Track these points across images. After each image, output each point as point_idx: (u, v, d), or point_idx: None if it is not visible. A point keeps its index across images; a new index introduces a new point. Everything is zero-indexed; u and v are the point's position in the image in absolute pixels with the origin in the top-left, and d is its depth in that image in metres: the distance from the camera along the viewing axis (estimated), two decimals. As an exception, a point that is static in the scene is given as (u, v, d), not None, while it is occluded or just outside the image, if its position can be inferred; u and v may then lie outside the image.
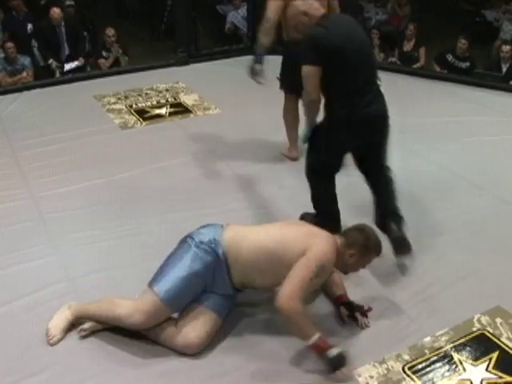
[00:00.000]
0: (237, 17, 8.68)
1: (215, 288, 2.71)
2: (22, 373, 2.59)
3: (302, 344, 2.61)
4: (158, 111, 5.54)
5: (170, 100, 5.81)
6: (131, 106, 5.65)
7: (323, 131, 3.26)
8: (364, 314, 2.86)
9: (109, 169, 4.42)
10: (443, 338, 2.77)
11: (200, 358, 2.66)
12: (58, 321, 2.77)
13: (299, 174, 3.58)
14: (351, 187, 3.72)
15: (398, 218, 3.31)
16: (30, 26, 7.57)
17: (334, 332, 2.80)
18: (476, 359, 2.65)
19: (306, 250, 2.60)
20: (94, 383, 2.56)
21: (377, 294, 3.07)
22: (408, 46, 7.78)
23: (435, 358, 2.66)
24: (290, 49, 4.08)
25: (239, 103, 5.61)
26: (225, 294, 2.73)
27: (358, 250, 2.74)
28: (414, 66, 7.46)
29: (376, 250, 2.81)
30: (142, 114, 5.48)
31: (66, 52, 7.13)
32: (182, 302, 2.68)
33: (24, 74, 6.77)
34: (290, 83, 4.27)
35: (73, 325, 2.79)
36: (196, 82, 6.21)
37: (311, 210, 3.52)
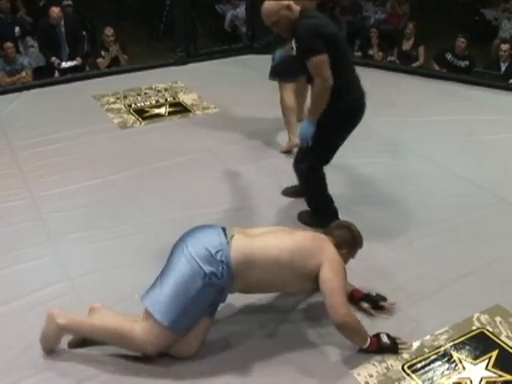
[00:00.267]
0: (236, 15, 8.68)
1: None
2: (22, 373, 2.59)
3: (356, 348, 2.65)
4: (157, 111, 5.54)
5: (169, 99, 5.81)
6: (130, 106, 5.65)
7: (324, 125, 3.29)
8: (385, 299, 2.93)
9: (108, 168, 4.42)
10: (443, 337, 2.76)
11: (197, 356, 2.66)
12: (48, 337, 2.66)
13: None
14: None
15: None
16: (17, 29, 7.59)
17: (332, 332, 2.80)
18: (475, 358, 2.65)
19: (320, 257, 2.62)
20: (93, 383, 2.56)
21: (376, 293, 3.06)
22: (407, 45, 7.78)
23: (435, 356, 2.66)
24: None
25: (238, 102, 5.61)
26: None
27: (348, 247, 2.81)
28: (413, 65, 7.46)
29: (361, 243, 2.88)
30: (141, 113, 5.48)
31: (67, 51, 7.12)
32: (193, 325, 2.58)
33: (23, 73, 6.77)
34: (290, 71, 4.44)
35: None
36: (195, 81, 6.21)
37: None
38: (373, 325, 2.80)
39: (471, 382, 2.54)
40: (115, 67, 7.00)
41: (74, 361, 2.66)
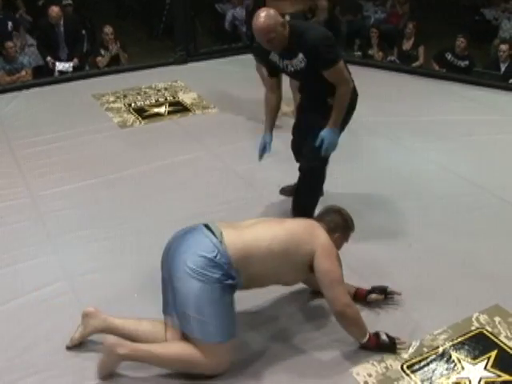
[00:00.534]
0: (236, 15, 8.68)
1: None
2: (21, 372, 2.59)
3: (356, 343, 2.66)
4: (156, 110, 5.54)
5: (168, 99, 5.81)
6: (130, 105, 5.65)
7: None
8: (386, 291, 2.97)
9: (108, 168, 4.42)
10: (442, 337, 2.77)
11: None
12: (109, 367, 2.56)
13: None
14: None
15: None
16: (10, 24, 7.58)
17: (331, 331, 2.80)
18: (474, 358, 2.66)
19: (313, 243, 2.60)
20: None
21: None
22: (407, 45, 7.78)
23: (434, 356, 2.66)
24: None
25: (238, 102, 5.61)
26: None
27: (341, 231, 2.79)
28: (413, 65, 7.45)
29: (353, 226, 2.86)
30: (140, 112, 5.48)
31: (65, 51, 7.11)
32: (232, 322, 2.55)
33: (23, 72, 6.76)
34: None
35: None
36: (195, 80, 6.21)
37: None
38: (372, 324, 2.80)
39: (470, 381, 2.54)
40: (115, 66, 6.99)
41: (73, 360, 2.65)
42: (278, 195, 3.96)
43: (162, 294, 2.65)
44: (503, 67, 6.95)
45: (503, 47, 7.00)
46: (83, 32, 7.72)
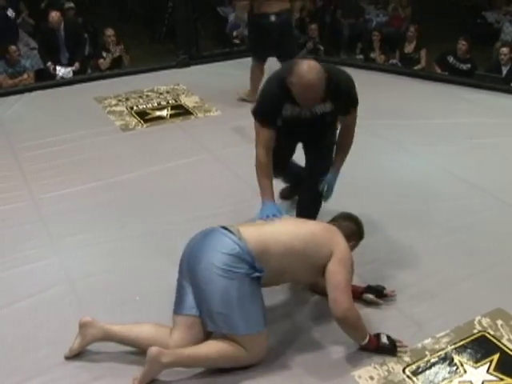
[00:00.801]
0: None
1: None
2: (23, 375, 2.59)
3: (356, 345, 2.66)
4: (158, 113, 5.55)
5: (170, 102, 5.81)
6: (132, 108, 5.65)
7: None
8: (384, 288, 3.00)
9: (109, 171, 4.42)
10: (444, 340, 2.76)
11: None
12: (153, 376, 2.52)
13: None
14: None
15: None
16: (10, 11, 7.69)
17: (332, 334, 2.80)
18: (477, 361, 2.65)
19: (332, 248, 2.62)
20: (94, 385, 2.56)
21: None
22: (409, 48, 7.79)
23: (436, 359, 2.65)
24: (259, 21, 5.07)
25: (240, 105, 5.61)
26: None
27: (355, 239, 2.85)
28: (415, 68, 7.47)
29: (363, 234, 2.93)
30: (142, 115, 5.48)
31: (66, 55, 7.14)
32: (264, 312, 2.58)
33: (25, 75, 6.78)
34: (261, 51, 5.20)
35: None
36: (197, 83, 6.21)
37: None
38: (374, 326, 2.80)
39: (472, 385, 2.54)
40: (117, 69, 7.01)
41: (76, 363, 2.65)
42: (275, 196, 3.96)
43: (178, 295, 2.63)
44: (505, 70, 6.95)
45: (504, 50, 7.00)
46: (85, 35, 7.75)
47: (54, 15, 7.00)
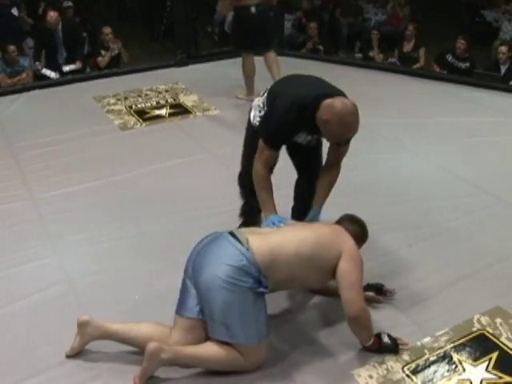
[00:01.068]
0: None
1: None
2: (22, 374, 2.59)
3: (360, 346, 2.67)
4: (157, 112, 5.55)
5: (169, 101, 5.81)
6: (131, 107, 5.65)
7: None
8: (382, 285, 3.02)
9: (108, 170, 4.42)
10: (443, 339, 2.76)
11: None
12: (151, 371, 2.53)
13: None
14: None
15: None
16: (15, 8, 7.66)
17: (332, 333, 2.80)
18: (476, 359, 2.65)
19: (341, 248, 2.60)
20: (93, 384, 2.56)
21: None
22: (408, 47, 7.79)
23: (435, 358, 2.65)
24: (241, 13, 5.41)
25: (238, 104, 5.61)
26: None
27: (360, 242, 2.82)
28: (414, 67, 7.47)
29: (367, 238, 2.92)
30: (141, 114, 5.48)
31: (64, 55, 7.13)
32: (266, 323, 2.57)
33: (24, 75, 6.77)
34: (248, 42, 5.44)
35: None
36: (195, 82, 6.22)
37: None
38: (374, 326, 2.78)
39: (471, 383, 2.54)
40: (116, 68, 7.01)
41: (75, 362, 2.65)
42: (278, 197, 3.96)
43: (181, 296, 2.60)
44: (503, 69, 6.95)
45: (503, 49, 7.00)
46: (84, 35, 7.73)
47: (53, 15, 6.99)
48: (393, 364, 2.62)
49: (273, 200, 2.99)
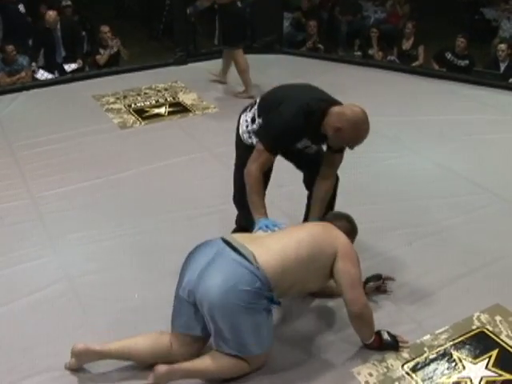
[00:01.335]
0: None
1: None
2: (22, 373, 2.59)
3: (361, 343, 2.67)
4: (156, 111, 5.55)
5: (168, 99, 5.81)
6: (130, 106, 5.65)
7: None
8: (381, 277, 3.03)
9: (108, 168, 4.42)
10: (443, 336, 2.76)
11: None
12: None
13: (299, 173, 3.57)
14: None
15: None
16: (22, 6, 7.65)
17: (331, 331, 2.80)
18: (475, 357, 2.65)
19: (335, 244, 2.58)
20: None
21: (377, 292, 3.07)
22: (407, 45, 7.78)
23: (435, 356, 2.66)
24: (229, 9, 5.53)
25: (238, 102, 5.60)
26: None
27: (352, 237, 2.79)
28: (413, 65, 7.45)
29: (357, 230, 2.87)
30: (140, 113, 5.48)
31: (63, 54, 7.12)
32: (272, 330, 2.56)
33: (23, 73, 6.76)
34: (239, 37, 5.65)
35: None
36: (195, 81, 6.21)
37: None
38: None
39: (471, 381, 2.54)
40: (115, 67, 7.00)
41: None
42: (278, 195, 3.96)
43: (176, 310, 2.53)
44: (503, 66, 6.95)
45: (502, 46, 7.00)
46: (83, 33, 7.72)
47: (52, 14, 6.98)
48: (393, 362, 2.62)
49: (264, 203, 2.94)
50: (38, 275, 3.24)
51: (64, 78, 6.62)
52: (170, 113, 5.51)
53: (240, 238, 2.58)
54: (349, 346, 2.69)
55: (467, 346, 2.71)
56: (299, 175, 3.56)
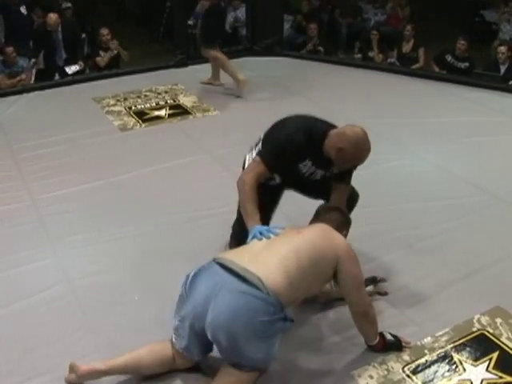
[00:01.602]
0: (237, 17, 8.67)
1: None
2: (22, 375, 2.59)
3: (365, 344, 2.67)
4: (157, 113, 5.55)
5: (169, 102, 5.81)
6: (130, 108, 5.65)
7: None
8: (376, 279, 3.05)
9: (108, 171, 4.42)
10: (443, 339, 2.76)
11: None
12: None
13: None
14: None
15: None
16: (24, 7, 7.65)
17: (332, 334, 2.80)
18: (476, 359, 2.65)
19: (334, 247, 2.55)
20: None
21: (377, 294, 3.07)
22: (407, 47, 7.78)
23: (435, 358, 2.66)
24: (214, 10, 5.73)
25: (238, 105, 5.62)
26: None
27: (346, 228, 2.77)
28: (413, 67, 7.46)
29: (351, 221, 2.85)
30: (141, 115, 5.48)
31: (63, 56, 7.13)
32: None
33: (23, 76, 6.76)
34: (215, 36, 5.85)
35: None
36: (195, 83, 6.22)
37: (310, 211, 3.50)
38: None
39: (472, 383, 2.54)
40: (115, 69, 7.00)
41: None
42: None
43: (180, 335, 2.47)
44: (503, 69, 6.96)
45: (502, 49, 7.01)
46: (83, 36, 7.72)
47: (52, 16, 6.98)
48: (393, 364, 2.62)
49: (257, 210, 2.81)
50: (38, 277, 3.24)
51: (64, 81, 6.62)
52: (170, 115, 5.51)
53: (237, 258, 2.46)
54: (349, 349, 2.69)
55: (468, 349, 2.71)
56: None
